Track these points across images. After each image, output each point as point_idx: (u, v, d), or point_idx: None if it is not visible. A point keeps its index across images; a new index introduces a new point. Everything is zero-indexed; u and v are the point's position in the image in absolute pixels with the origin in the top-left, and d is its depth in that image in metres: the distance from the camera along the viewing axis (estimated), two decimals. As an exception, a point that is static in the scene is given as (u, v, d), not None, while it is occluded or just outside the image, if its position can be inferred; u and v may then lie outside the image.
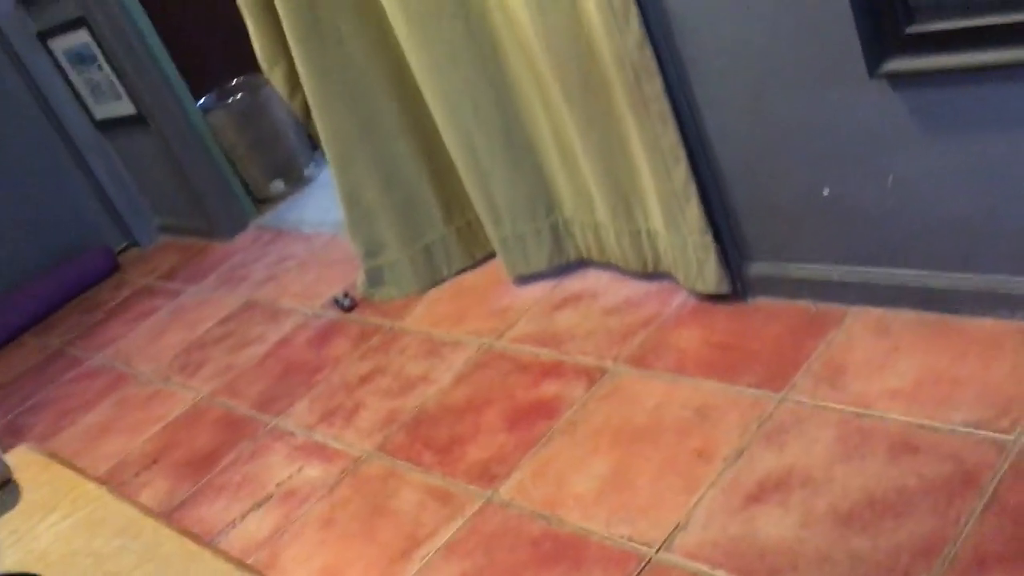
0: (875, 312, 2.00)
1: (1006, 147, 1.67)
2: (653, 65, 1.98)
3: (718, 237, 2.15)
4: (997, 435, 1.61)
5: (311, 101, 2.72)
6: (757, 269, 2.19)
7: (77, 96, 4.22)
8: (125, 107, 4.02)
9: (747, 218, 2.14)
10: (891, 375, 1.84)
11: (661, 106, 2.02)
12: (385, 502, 2.12)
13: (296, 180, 4.41)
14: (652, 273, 2.41)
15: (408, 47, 2.46)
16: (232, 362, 3.02)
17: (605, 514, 1.82)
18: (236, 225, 4.12)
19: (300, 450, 2.43)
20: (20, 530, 1.13)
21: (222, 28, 3.71)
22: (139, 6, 3.79)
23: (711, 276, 2.18)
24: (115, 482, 2.56)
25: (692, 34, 1.94)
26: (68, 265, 4.23)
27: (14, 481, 1.26)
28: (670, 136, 2.05)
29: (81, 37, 3.89)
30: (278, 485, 2.33)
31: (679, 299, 2.33)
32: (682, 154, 2.06)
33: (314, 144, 3.91)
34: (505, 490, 2.00)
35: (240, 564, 0.91)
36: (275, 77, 2.79)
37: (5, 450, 1.36)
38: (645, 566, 1.68)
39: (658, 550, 1.69)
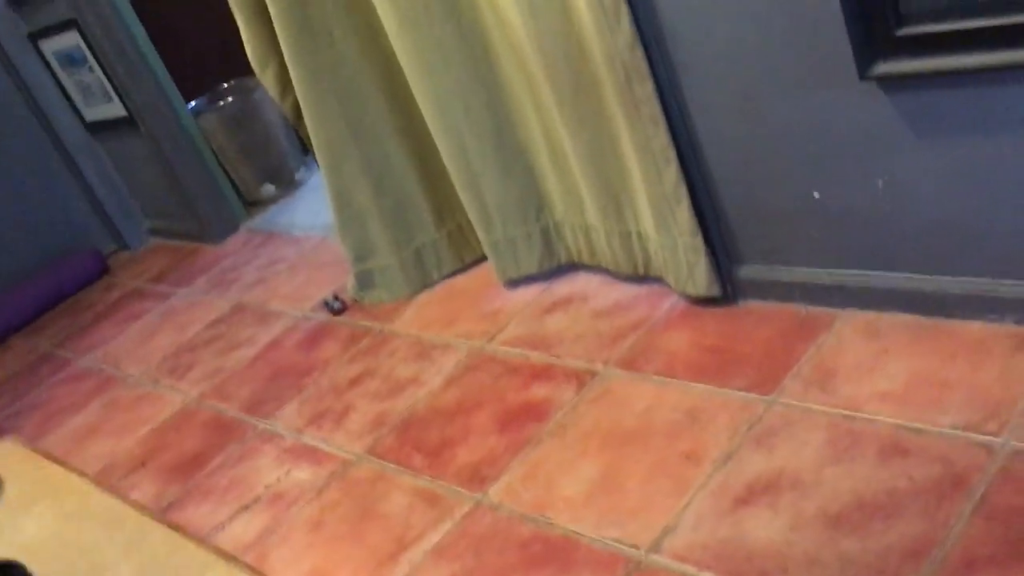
0: (865, 315, 2.00)
1: (996, 150, 1.67)
2: (644, 66, 1.97)
3: (708, 240, 2.15)
4: (986, 438, 1.62)
5: (302, 103, 2.71)
6: (747, 272, 2.19)
7: (67, 98, 4.21)
8: (116, 109, 4.01)
9: (737, 221, 2.14)
10: (881, 378, 1.84)
11: (652, 108, 2.01)
12: (374, 504, 2.11)
13: (287, 183, 4.41)
14: (642, 276, 2.41)
15: (399, 49, 2.45)
16: (221, 365, 3.01)
17: (594, 516, 1.82)
18: (226, 228, 4.11)
19: (289, 452, 2.42)
20: (4, 522, 1.13)
21: (214, 31, 3.70)
22: (130, 8, 3.78)
23: (701, 279, 2.18)
24: (103, 484, 2.55)
25: (683, 36, 1.94)
26: (57, 267, 4.21)
27: (-2, 474, 1.25)
28: (661, 138, 2.05)
29: (72, 39, 3.88)
30: (266, 487, 2.32)
31: (669, 302, 2.33)
32: (673, 156, 2.06)
33: (305, 148, 3.90)
34: (494, 492, 1.99)
35: (223, 554, 0.91)
36: (266, 78, 2.79)
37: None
38: (634, 568, 1.67)
39: (647, 552, 1.69)
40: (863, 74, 1.70)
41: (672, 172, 2.07)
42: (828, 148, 1.88)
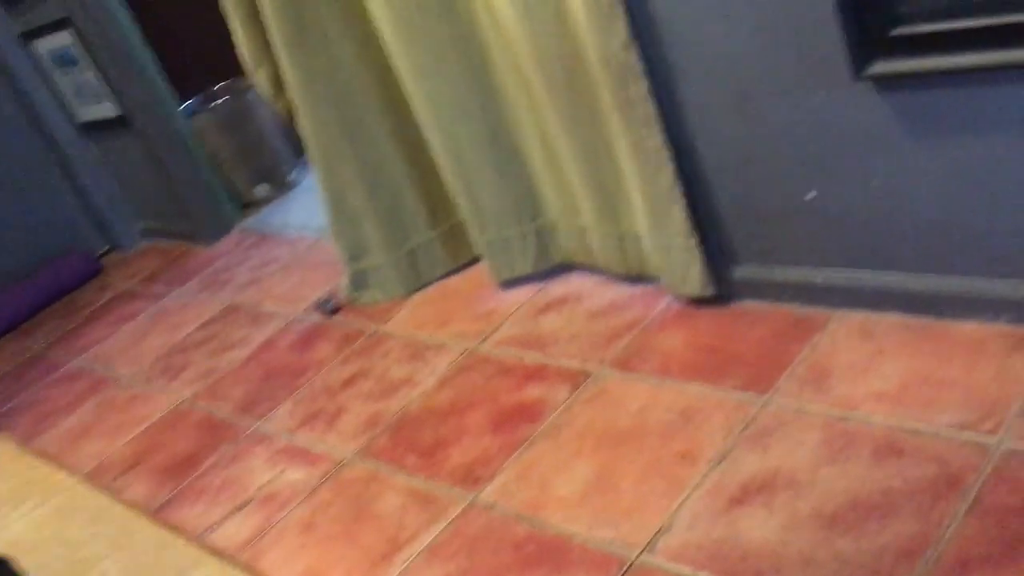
0: (860, 315, 2.00)
1: (990, 150, 1.67)
2: (638, 67, 1.97)
3: (703, 240, 2.15)
4: (981, 437, 1.62)
5: (297, 104, 2.71)
6: (742, 272, 2.19)
7: (60, 98, 4.19)
8: (109, 109, 4.00)
9: (732, 221, 2.14)
10: (875, 378, 1.84)
11: (646, 108, 2.01)
12: (367, 505, 2.11)
13: (280, 184, 4.40)
14: (637, 276, 2.40)
15: (394, 50, 2.45)
16: (214, 365, 3.00)
17: (588, 517, 1.81)
18: (220, 229, 4.10)
19: (282, 453, 2.41)
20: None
21: (208, 32, 3.69)
22: (124, 8, 3.76)
23: (696, 279, 2.18)
24: (96, 485, 2.54)
25: (677, 36, 1.94)
26: (50, 268, 4.19)
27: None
28: (655, 138, 2.04)
29: (65, 38, 3.87)
30: (259, 488, 2.31)
31: (664, 302, 2.33)
32: (667, 156, 2.06)
33: (299, 149, 3.89)
34: (488, 493, 1.99)
35: (210, 550, 0.90)
36: (259, 79, 2.78)
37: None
38: (628, 568, 1.67)
39: (641, 552, 1.69)
40: (858, 74, 1.70)
41: (666, 172, 2.07)
42: (822, 148, 1.88)
